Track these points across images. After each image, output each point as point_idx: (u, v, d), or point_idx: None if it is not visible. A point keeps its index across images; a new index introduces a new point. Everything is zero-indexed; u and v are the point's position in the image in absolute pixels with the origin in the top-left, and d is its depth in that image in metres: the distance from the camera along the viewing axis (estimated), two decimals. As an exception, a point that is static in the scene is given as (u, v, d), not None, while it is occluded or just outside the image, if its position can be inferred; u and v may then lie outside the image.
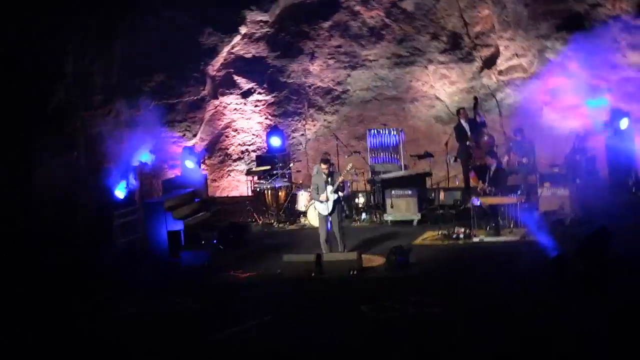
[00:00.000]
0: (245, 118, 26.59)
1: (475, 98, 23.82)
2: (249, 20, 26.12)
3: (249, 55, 26.49)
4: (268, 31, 26.34)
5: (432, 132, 25.55)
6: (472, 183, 22.47)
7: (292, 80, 26.43)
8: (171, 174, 25.75)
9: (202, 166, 25.88)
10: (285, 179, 23.98)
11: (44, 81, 22.83)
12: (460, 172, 23.43)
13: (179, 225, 20.31)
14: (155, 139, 25.39)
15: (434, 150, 24.04)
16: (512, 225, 19.78)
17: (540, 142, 23.23)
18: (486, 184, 20.01)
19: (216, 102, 26.63)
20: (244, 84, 26.53)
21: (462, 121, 23.29)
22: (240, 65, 26.51)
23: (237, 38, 26.34)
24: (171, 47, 25.66)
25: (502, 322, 13.72)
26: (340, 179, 18.50)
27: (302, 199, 23.15)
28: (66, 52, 23.23)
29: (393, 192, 22.03)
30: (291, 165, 24.81)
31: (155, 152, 25.32)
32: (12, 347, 14.43)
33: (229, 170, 26.64)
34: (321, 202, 18.39)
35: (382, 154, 24.01)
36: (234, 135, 26.66)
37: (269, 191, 23.54)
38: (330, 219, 18.41)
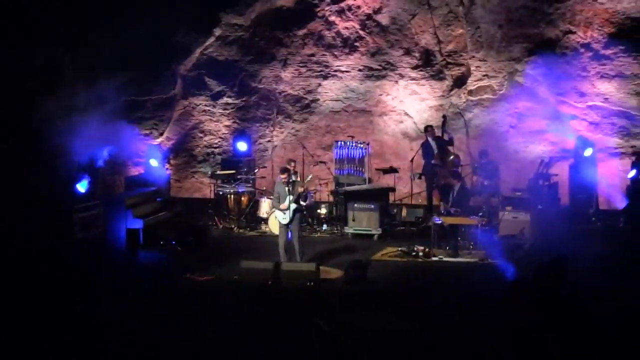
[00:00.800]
0: (214, 120, 26.52)
1: (444, 116, 23.91)
2: (224, 22, 26.08)
3: (221, 58, 26.42)
4: (242, 35, 26.29)
5: (398, 147, 25.59)
6: (434, 201, 22.54)
7: (262, 86, 26.39)
8: (135, 171, 25.65)
9: (167, 165, 25.77)
10: (249, 185, 23.95)
11: (11, 68, 22.74)
12: (424, 190, 23.48)
13: (138, 224, 20.22)
14: (121, 134, 25.33)
15: (400, 166, 24.11)
16: (471, 247, 19.85)
17: (505, 165, 23.38)
18: (449, 203, 20.07)
19: (185, 102, 26.55)
20: (215, 86, 26.46)
21: (430, 139, 23.33)
22: (212, 67, 26.43)
23: (211, 39, 26.28)
24: (144, 43, 25.53)
25: (456, 341, 13.76)
26: (301, 189, 18.48)
27: (265, 206, 23.11)
28: (37, 41, 23.16)
29: (355, 204, 22.03)
30: (256, 171, 24.78)
31: (119, 148, 25.24)
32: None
33: (193, 172, 26.55)
34: (281, 210, 18.39)
35: (347, 166, 24.01)
36: (201, 137, 26.58)
37: (232, 195, 23.49)
38: (289, 228, 18.40)
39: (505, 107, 24.87)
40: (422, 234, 20.67)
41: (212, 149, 26.53)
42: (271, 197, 22.23)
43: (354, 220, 22.00)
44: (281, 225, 18.60)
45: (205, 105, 26.52)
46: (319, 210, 23.11)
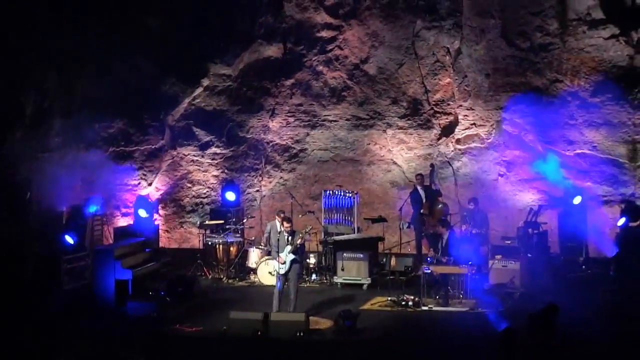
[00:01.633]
0: (202, 170, 26.52)
1: (432, 165, 23.91)
2: (212, 73, 26.17)
3: (209, 108, 26.48)
4: (230, 85, 26.38)
5: (387, 196, 25.58)
6: (424, 250, 22.49)
7: (250, 136, 26.42)
8: (123, 221, 25.59)
9: (155, 216, 25.71)
10: (238, 235, 23.88)
11: (1, 120, 22.77)
12: (413, 239, 23.43)
13: (127, 275, 20.10)
14: (109, 185, 25.34)
15: (388, 215, 24.08)
16: (461, 296, 19.74)
17: (494, 213, 23.39)
18: (438, 252, 20.03)
19: (174, 152, 26.55)
20: (203, 136, 26.48)
21: (418, 187, 23.32)
22: (200, 117, 26.49)
23: (199, 90, 26.36)
24: (132, 93, 25.63)
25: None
26: (299, 240, 18.46)
27: (254, 256, 23.01)
28: (26, 92, 23.22)
29: (345, 254, 21.96)
30: (244, 220, 24.72)
31: (107, 198, 25.24)
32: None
33: (181, 222, 26.49)
34: (278, 261, 18.34)
35: (336, 215, 23.93)
36: (189, 187, 26.55)
37: (221, 246, 23.40)
38: (285, 278, 18.35)
39: (493, 155, 24.94)
40: (412, 283, 20.59)
41: (201, 199, 26.49)
42: (260, 246, 22.26)
43: (343, 269, 21.92)
44: (276, 275, 18.52)
45: (194, 156, 26.53)
46: (308, 260, 22.98)
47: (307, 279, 22.58)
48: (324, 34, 25.88)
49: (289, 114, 26.27)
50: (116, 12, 25.15)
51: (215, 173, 26.50)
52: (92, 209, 24.03)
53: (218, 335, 17.41)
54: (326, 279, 22.61)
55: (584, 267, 22.75)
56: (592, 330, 17.09)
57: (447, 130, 25.47)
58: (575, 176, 24.06)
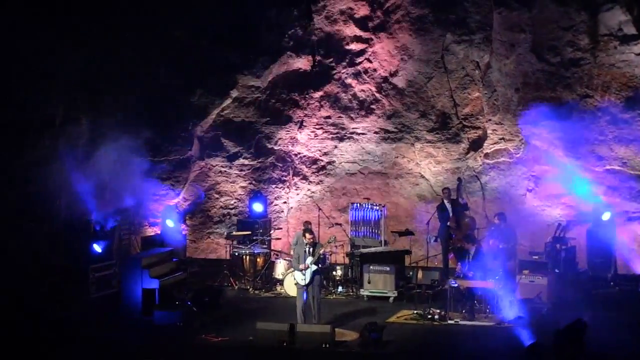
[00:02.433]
0: (230, 181, 26.59)
1: (459, 179, 23.83)
2: (240, 84, 26.25)
3: (238, 119, 26.55)
4: (259, 97, 26.44)
5: (414, 209, 25.53)
6: (450, 264, 22.43)
7: (278, 147, 26.47)
8: (151, 231, 25.68)
9: (183, 226, 25.79)
10: (265, 246, 23.91)
11: (32, 130, 22.94)
12: (440, 253, 23.37)
13: (154, 284, 20.13)
14: (138, 195, 25.45)
15: (415, 228, 24.03)
16: (488, 310, 19.67)
17: (522, 228, 23.27)
18: (466, 266, 19.98)
19: (202, 163, 26.64)
20: (231, 147, 26.56)
21: (445, 201, 23.26)
22: (228, 128, 26.57)
23: (228, 101, 26.45)
24: (161, 104, 25.76)
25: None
26: (321, 250, 18.46)
27: (280, 267, 23.04)
28: (56, 102, 23.39)
29: (371, 267, 21.94)
30: (271, 232, 24.76)
31: (136, 208, 25.36)
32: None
33: (209, 233, 26.55)
34: (300, 271, 18.33)
35: (363, 228, 23.93)
36: (217, 198, 26.62)
37: (248, 257, 23.43)
38: (307, 289, 18.34)
39: (521, 170, 24.86)
40: (438, 297, 20.53)
41: (228, 210, 26.54)
42: (287, 258, 22.25)
43: (369, 282, 21.89)
44: (299, 287, 18.54)
45: (222, 167, 26.60)
46: (334, 272, 23.00)
47: (333, 291, 22.58)
48: (353, 46, 25.90)
49: (317, 126, 26.30)
50: (145, 23, 25.32)
51: (243, 184, 26.55)
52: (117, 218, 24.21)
53: (244, 345, 17.42)
54: (352, 292, 22.58)
55: (612, 283, 22.62)
56: (619, 348, 16.95)
57: (476, 145, 25.41)
58: (605, 192, 23.93)
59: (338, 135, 26.23)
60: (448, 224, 22.86)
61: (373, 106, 25.99)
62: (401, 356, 16.89)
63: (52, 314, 19.36)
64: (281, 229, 25.83)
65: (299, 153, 26.48)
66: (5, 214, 22.20)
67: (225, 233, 25.41)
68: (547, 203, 24.52)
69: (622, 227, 23.39)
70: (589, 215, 23.64)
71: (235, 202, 26.56)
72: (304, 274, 18.34)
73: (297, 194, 26.46)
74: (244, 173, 26.56)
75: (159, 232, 25.11)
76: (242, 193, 26.50)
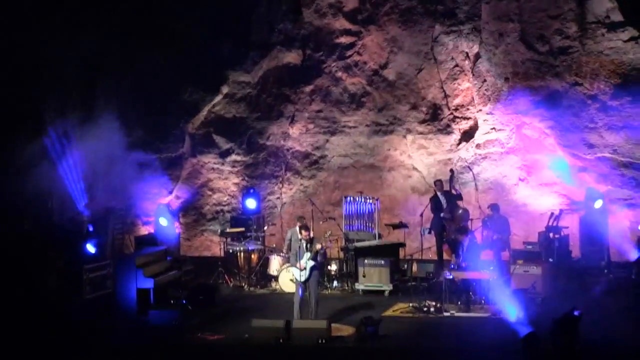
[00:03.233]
0: (222, 178, 26.58)
1: (452, 170, 23.85)
2: (231, 80, 26.23)
3: (229, 115, 26.54)
4: (250, 92, 26.43)
5: (407, 202, 25.55)
6: (445, 256, 22.46)
7: (270, 143, 26.46)
8: (144, 230, 25.66)
9: (176, 224, 25.78)
10: (259, 242, 23.89)
11: (22, 130, 22.90)
12: (434, 245, 23.40)
13: (149, 283, 20.16)
14: (130, 194, 25.44)
15: (409, 221, 24.05)
16: (483, 301, 19.72)
17: (515, 218, 23.36)
18: (459, 258, 20.01)
19: (194, 160, 26.62)
20: (223, 143, 26.54)
21: (438, 193, 23.28)
22: (220, 124, 26.54)
23: (219, 97, 26.42)
24: (152, 102, 25.72)
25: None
26: (319, 246, 18.46)
27: (275, 263, 23.03)
28: (46, 100, 23.37)
29: (366, 260, 21.96)
30: (265, 228, 24.76)
31: (128, 207, 25.36)
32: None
33: (202, 230, 26.55)
34: (298, 268, 18.33)
35: (356, 221, 23.92)
36: (210, 195, 26.61)
37: (242, 253, 23.43)
38: (305, 285, 18.36)
39: (513, 160, 24.89)
40: (433, 289, 20.57)
41: (221, 207, 26.54)
42: (281, 254, 22.24)
43: (364, 276, 21.92)
44: (296, 282, 18.54)
45: (214, 163, 26.58)
46: (329, 267, 23.01)
47: (328, 286, 22.60)
48: (343, 40, 25.89)
49: (308, 121, 26.30)
50: (135, 21, 25.28)
51: (236, 181, 26.54)
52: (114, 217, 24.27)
53: (240, 343, 17.41)
54: (347, 286, 22.60)
55: (605, 271, 22.67)
56: (614, 335, 17.03)
57: (467, 135, 25.44)
58: (596, 180, 23.98)
59: (330, 129, 26.23)
60: (442, 215, 22.90)
61: (364, 99, 26.00)
62: (398, 350, 16.89)
63: (46, 315, 19.31)
64: (275, 224, 25.85)
65: (291, 148, 26.48)
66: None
67: (219, 230, 25.39)
68: (539, 192, 24.56)
69: (614, 215, 23.45)
70: (581, 204, 23.70)
71: (228, 199, 26.55)
72: (303, 270, 18.34)
73: (290, 189, 26.47)
74: (236, 169, 26.55)
75: (152, 230, 25.08)
76: (235, 189, 26.49)
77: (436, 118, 25.61)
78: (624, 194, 23.90)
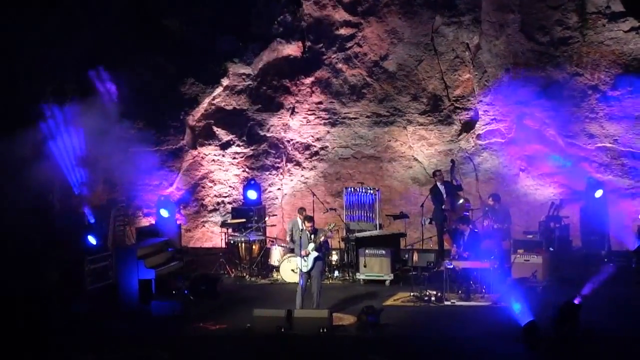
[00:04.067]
0: (223, 170, 26.58)
1: (453, 161, 23.88)
2: (231, 72, 26.22)
3: (229, 107, 26.54)
4: (250, 84, 26.43)
5: (408, 192, 25.58)
6: (446, 246, 22.48)
7: (271, 134, 26.47)
8: (145, 221, 25.68)
9: (177, 216, 25.79)
10: (260, 233, 23.91)
11: (22, 123, 22.92)
12: (435, 235, 23.42)
13: (150, 274, 20.13)
14: (131, 185, 25.48)
15: (410, 211, 24.07)
16: (484, 290, 19.76)
17: (516, 208, 23.41)
18: (461, 247, 20.05)
19: (194, 152, 26.63)
20: (223, 135, 26.54)
21: (439, 183, 23.29)
22: (220, 116, 26.55)
23: (219, 89, 26.41)
24: (152, 94, 25.74)
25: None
26: (322, 237, 18.48)
27: (276, 254, 23.06)
28: (46, 93, 23.37)
29: (367, 251, 21.99)
30: (266, 219, 24.77)
31: (129, 199, 25.39)
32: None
33: (203, 221, 26.56)
34: (302, 257, 18.35)
35: (357, 212, 23.93)
36: (211, 187, 26.62)
37: (243, 244, 23.44)
38: (308, 275, 18.40)
39: (514, 150, 24.92)
40: (434, 279, 20.56)
41: (222, 198, 26.55)
42: (282, 244, 22.27)
43: (365, 266, 21.95)
44: (299, 272, 18.56)
45: (215, 155, 26.59)
46: (330, 257, 23.03)
47: (329, 275, 22.62)
48: (343, 31, 25.89)
49: (309, 112, 26.30)
50: (134, 13, 25.29)
51: (236, 172, 26.55)
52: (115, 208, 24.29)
53: (242, 332, 17.44)
54: (349, 276, 22.63)
55: (606, 260, 22.70)
56: (615, 324, 17.06)
57: (468, 126, 25.46)
58: (597, 170, 24.02)
59: (330, 120, 26.23)
60: (442, 206, 22.93)
61: (364, 90, 26.00)
62: (399, 339, 16.92)
63: (48, 306, 19.34)
64: (276, 215, 25.86)
65: (292, 139, 26.49)
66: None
67: (220, 221, 25.42)
68: (540, 182, 24.61)
69: (614, 204, 23.48)
70: (582, 193, 23.73)
71: (229, 190, 26.55)
72: (306, 260, 18.38)
73: (291, 180, 26.48)
74: (237, 161, 26.56)
75: (153, 222, 25.09)
76: (236, 181, 26.50)
77: (437, 109, 25.63)
78: (624, 183, 23.97)
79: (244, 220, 24.04)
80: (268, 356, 15.96)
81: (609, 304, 18.35)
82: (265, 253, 23.50)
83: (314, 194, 24.39)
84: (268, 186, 26.43)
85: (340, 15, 25.82)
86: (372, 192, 23.93)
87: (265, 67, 26.39)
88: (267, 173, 26.46)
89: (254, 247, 23.50)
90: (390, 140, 25.95)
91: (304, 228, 18.62)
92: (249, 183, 25.66)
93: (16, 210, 22.10)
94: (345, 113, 26.11)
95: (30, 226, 22.22)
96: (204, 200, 26.62)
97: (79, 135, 24.28)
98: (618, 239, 23.26)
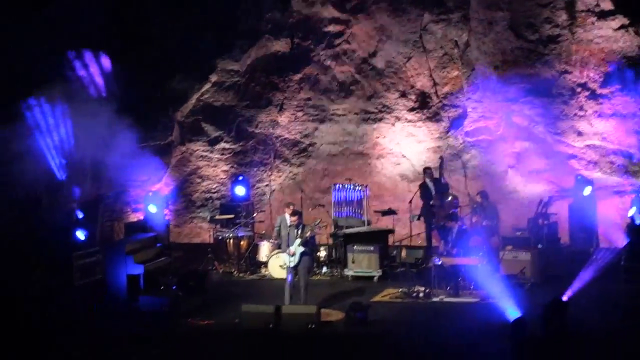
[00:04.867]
0: (211, 166, 26.58)
1: (441, 158, 23.91)
2: (219, 68, 26.21)
3: (218, 104, 26.53)
4: (238, 80, 26.42)
5: (396, 189, 25.62)
6: (434, 242, 22.50)
7: (259, 131, 26.47)
8: (134, 217, 25.64)
9: (165, 211, 25.76)
10: (248, 229, 23.93)
11: (9, 119, 22.84)
12: (423, 231, 23.44)
13: (139, 269, 20.13)
14: (120, 181, 25.42)
15: (398, 208, 24.07)
16: (472, 287, 19.77)
17: (504, 205, 23.41)
18: (449, 244, 20.06)
19: (183, 148, 26.62)
20: (212, 131, 26.54)
21: (427, 180, 23.31)
22: (208, 112, 26.54)
23: (207, 86, 26.41)
24: (141, 90, 25.66)
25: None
26: (309, 233, 18.46)
27: (264, 249, 23.05)
28: (35, 89, 23.31)
29: (355, 247, 21.99)
30: (254, 215, 24.76)
31: (118, 194, 25.33)
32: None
33: (192, 217, 26.56)
34: (288, 254, 18.32)
35: (345, 208, 23.93)
36: (199, 182, 26.62)
37: (231, 240, 23.44)
38: (295, 271, 18.37)
39: (502, 147, 24.95)
40: (422, 275, 20.61)
41: (211, 194, 26.55)
42: (271, 240, 22.24)
43: (353, 262, 21.95)
44: (286, 268, 18.53)
45: (203, 151, 26.58)
46: (318, 253, 23.00)
47: (317, 271, 22.62)
48: (332, 28, 25.90)
49: (297, 109, 26.31)
50: (122, 9, 25.24)
51: (225, 168, 26.54)
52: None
53: (230, 328, 17.45)
54: (337, 272, 22.63)
55: (594, 257, 22.71)
56: (603, 321, 17.09)
57: (456, 123, 25.47)
58: (585, 167, 24.07)
59: (318, 117, 26.25)
60: (431, 202, 22.94)
61: (353, 87, 26.02)
62: (387, 335, 16.93)
63: (37, 303, 19.28)
64: (264, 211, 25.84)
65: (280, 136, 26.48)
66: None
67: (209, 217, 25.41)
68: (528, 179, 24.64)
69: (603, 202, 23.52)
70: (570, 191, 23.77)
71: (217, 186, 26.55)
72: (293, 256, 18.34)
73: (280, 177, 26.48)
74: (225, 157, 26.56)
75: (142, 217, 25.05)
76: (224, 177, 26.50)
77: (425, 106, 25.65)
78: (613, 181, 24.00)
79: (232, 216, 24.06)
80: (256, 351, 15.93)
81: (597, 301, 18.36)
82: (254, 249, 23.48)
83: (302, 190, 24.39)
84: (256, 182, 26.43)
85: (329, 12, 25.82)
86: (360, 188, 23.92)
87: (254, 63, 26.39)
88: (256, 169, 26.47)
89: (242, 243, 23.51)
90: (378, 137, 25.97)
91: (291, 223, 18.58)
92: (237, 179, 25.68)
93: (2, 207, 22.03)
94: (333, 110, 26.13)
95: (18, 224, 22.14)
96: (192, 196, 26.61)
97: (67, 131, 24.20)
98: (606, 236, 23.29)
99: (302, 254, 18.39)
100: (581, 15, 23.99)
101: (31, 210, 23.19)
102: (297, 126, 26.40)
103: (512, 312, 16.87)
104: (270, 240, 22.55)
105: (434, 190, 23.10)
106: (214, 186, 26.58)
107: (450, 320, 17.73)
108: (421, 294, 19.62)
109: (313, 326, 17.07)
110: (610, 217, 23.35)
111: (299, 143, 26.45)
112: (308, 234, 18.48)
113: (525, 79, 24.54)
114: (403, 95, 25.77)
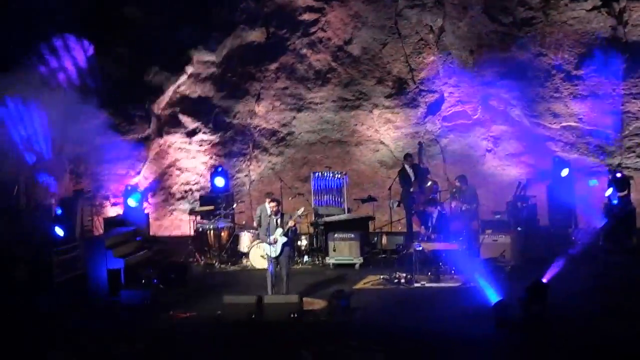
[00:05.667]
0: (190, 157, 26.54)
1: (420, 143, 23.95)
2: (195, 60, 26.17)
3: (194, 95, 26.49)
4: (214, 71, 26.39)
5: (376, 176, 25.64)
6: (414, 228, 22.54)
7: (237, 121, 26.44)
8: (113, 211, 25.58)
9: (145, 204, 25.71)
10: (228, 220, 23.86)
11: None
12: (403, 217, 23.47)
13: (119, 264, 20.10)
14: (98, 175, 25.36)
15: (378, 195, 24.09)
16: (453, 271, 19.80)
17: (483, 189, 23.45)
18: (429, 229, 20.10)
19: (161, 140, 26.57)
20: (189, 123, 26.50)
21: (407, 166, 23.31)
22: (185, 104, 26.51)
23: (184, 77, 26.37)
24: (116, 83, 25.61)
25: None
26: (291, 223, 18.42)
27: (245, 240, 22.99)
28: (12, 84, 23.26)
29: (336, 235, 21.99)
30: (234, 205, 24.72)
31: (96, 188, 25.27)
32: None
33: (171, 209, 26.52)
34: (269, 244, 18.28)
35: (325, 196, 23.93)
36: (178, 175, 26.58)
37: (212, 231, 23.37)
38: (276, 261, 18.33)
39: (480, 131, 25.03)
40: (404, 261, 20.60)
41: (190, 186, 26.52)
42: (251, 230, 22.21)
43: (335, 250, 21.95)
44: (267, 258, 18.48)
45: (181, 143, 26.55)
46: (299, 242, 22.99)
47: (299, 260, 22.57)
48: (306, 16, 25.90)
49: (274, 98, 26.29)
50: (95, 2, 25.16)
51: (204, 159, 26.51)
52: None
53: (212, 320, 17.40)
54: (318, 260, 22.61)
55: (573, 238, 22.81)
56: (582, 302, 17.14)
57: (434, 108, 25.50)
58: (562, 149, 24.15)
59: (296, 105, 26.23)
60: (411, 189, 22.95)
61: (329, 75, 26.02)
62: (370, 322, 16.94)
63: (17, 300, 19.22)
64: (244, 202, 25.83)
65: (258, 125, 26.46)
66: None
67: (188, 209, 25.36)
68: (506, 162, 24.73)
69: (581, 183, 23.61)
70: (548, 173, 23.83)
71: (196, 178, 26.53)
72: (274, 246, 18.29)
73: (259, 167, 26.46)
74: (204, 148, 26.52)
75: (121, 212, 25.01)
76: (203, 168, 26.46)
77: (402, 92, 25.68)
78: (590, 161, 24.11)
79: (212, 207, 23.98)
80: (239, 343, 15.92)
81: (577, 282, 18.44)
82: (234, 240, 23.43)
83: (281, 180, 24.38)
84: (235, 173, 26.41)
85: (303, 0, 25.78)
86: (339, 176, 23.91)
87: (230, 54, 26.36)
88: (235, 160, 26.44)
89: (222, 234, 23.42)
90: (356, 124, 25.98)
91: (271, 212, 18.53)
92: (216, 170, 25.61)
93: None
94: (310, 98, 26.12)
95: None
96: (171, 188, 26.57)
97: (42, 124, 24.13)
98: (585, 217, 23.38)
99: (284, 244, 18.35)
100: (554, -3, 24.09)
101: (9, 210, 23.12)
102: (274, 116, 26.38)
103: (493, 295, 16.92)
104: (252, 230, 22.55)
105: (413, 176, 23.10)
106: (193, 178, 26.55)
107: (433, 305, 17.77)
108: (403, 280, 19.64)
109: (296, 315, 17.07)
110: (588, 198, 23.42)
111: (277, 132, 26.43)
112: (290, 224, 18.44)
113: (501, 63, 24.61)
114: (380, 81, 25.78)
